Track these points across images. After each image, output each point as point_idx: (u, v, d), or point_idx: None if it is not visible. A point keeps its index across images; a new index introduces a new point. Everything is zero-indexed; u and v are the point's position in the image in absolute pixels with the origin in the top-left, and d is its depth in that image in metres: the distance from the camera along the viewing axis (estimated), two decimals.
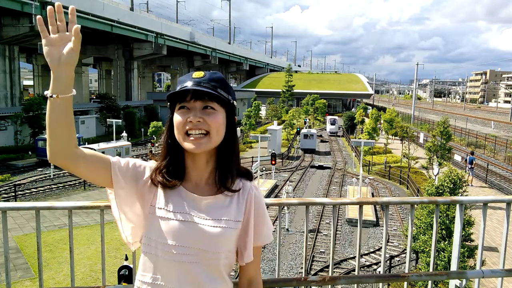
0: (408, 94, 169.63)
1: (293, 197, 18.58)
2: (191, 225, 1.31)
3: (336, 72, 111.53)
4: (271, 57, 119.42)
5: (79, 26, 1.20)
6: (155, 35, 52.21)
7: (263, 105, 55.51)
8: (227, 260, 1.36)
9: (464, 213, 3.09)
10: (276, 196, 20.69)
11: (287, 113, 49.93)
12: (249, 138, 35.88)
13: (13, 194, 19.40)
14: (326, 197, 19.45)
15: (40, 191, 20.68)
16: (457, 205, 2.28)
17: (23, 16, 33.38)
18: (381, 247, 11.38)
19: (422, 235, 9.95)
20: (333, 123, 48.53)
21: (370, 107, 66.79)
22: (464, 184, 11.43)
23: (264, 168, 24.04)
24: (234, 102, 1.38)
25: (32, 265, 11.91)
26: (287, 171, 27.22)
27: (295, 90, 72.96)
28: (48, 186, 21.56)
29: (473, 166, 21.29)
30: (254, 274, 1.48)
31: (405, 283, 2.24)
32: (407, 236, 3.10)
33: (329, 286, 2.18)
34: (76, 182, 22.51)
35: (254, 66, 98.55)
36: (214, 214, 1.34)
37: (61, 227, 15.00)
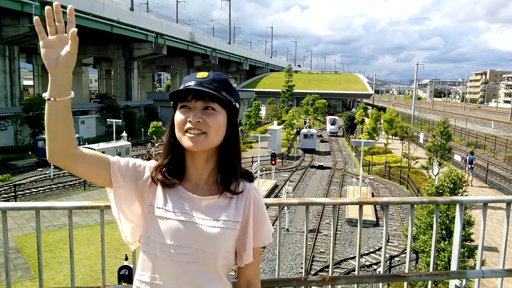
0: (408, 94, 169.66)
1: (293, 197, 18.58)
2: (190, 225, 1.31)
3: (336, 72, 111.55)
4: (271, 57, 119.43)
5: (76, 29, 1.19)
6: (155, 35, 52.22)
7: (263, 105, 55.52)
8: (225, 260, 1.36)
9: (464, 213, 3.09)
10: (276, 196, 20.69)
11: (287, 113, 49.94)
12: (249, 138, 35.87)
13: (13, 194, 19.41)
14: (326, 197, 19.45)
15: (40, 191, 20.68)
16: (457, 205, 2.28)
17: (23, 16, 33.39)
18: (381, 247, 11.38)
19: (422, 235, 9.95)
20: (333, 123, 48.53)
21: (370, 107, 66.79)
22: (464, 184, 11.43)
23: (264, 168, 24.03)
24: (237, 104, 1.38)
25: (32, 265, 11.91)
26: (287, 171, 27.23)
27: (295, 90, 72.97)
28: (48, 186, 21.56)
29: (473, 166, 21.29)
30: (253, 276, 1.47)
31: (405, 283, 2.24)
32: (407, 236, 3.10)
33: (329, 286, 2.18)
34: (76, 182, 22.51)
35: (254, 66, 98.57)
36: (213, 214, 1.34)
37: (61, 227, 15.00)
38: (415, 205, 7.20)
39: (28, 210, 2.01)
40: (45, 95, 1.20)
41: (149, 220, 1.34)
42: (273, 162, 24.22)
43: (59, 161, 1.28)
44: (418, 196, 18.33)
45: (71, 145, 1.27)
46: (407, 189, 22.44)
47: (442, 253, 8.98)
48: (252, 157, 27.76)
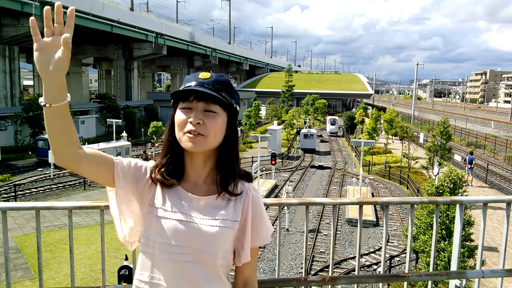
0: (408, 94, 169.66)
1: (293, 197, 18.58)
2: (188, 225, 1.31)
3: (336, 72, 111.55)
4: (271, 57, 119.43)
5: (68, 35, 1.15)
6: (155, 35, 52.22)
7: (263, 105, 55.52)
8: (224, 260, 1.37)
9: (464, 213, 3.09)
10: (276, 196, 20.69)
11: (287, 113, 49.95)
12: (249, 138, 35.88)
13: (13, 194, 19.41)
14: (326, 197, 19.45)
15: (40, 191, 20.69)
16: (457, 205, 2.29)
17: (23, 16, 33.39)
18: (381, 247, 11.38)
19: (422, 235, 9.95)
20: (333, 123, 48.53)
21: (370, 107, 66.80)
22: (464, 184, 11.43)
23: (264, 168, 24.03)
24: (238, 106, 1.39)
25: (32, 265, 11.91)
26: (287, 171, 27.23)
27: (295, 90, 72.98)
28: (48, 186, 21.56)
29: (472, 166, 21.29)
30: (250, 275, 1.48)
31: (405, 283, 2.24)
32: (407, 236, 3.10)
33: (329, 286, 2.18)
34: (76, 182, 22.52)
35: (254, 66, 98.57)
36: (211, 213, 1.34)
37: (61, 227, 15.00)
38: (415, 205, 7.21)
39: (28, 210, 2.01)
40: (41, 100, 1.19)
41: (148, 220, 1.35)
42: (273, 162, 24.22)
43: (64, 163, 1.28)
44: (418, 196, 18.33)
45: (74, 147, 1.26)
46: (407, 189, 22.44)
47: (442, 253, 8.98)
48: (252, 157, 27.77)
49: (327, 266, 12.76)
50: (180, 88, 1.33)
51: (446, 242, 9.16)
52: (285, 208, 16.41)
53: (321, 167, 28.61)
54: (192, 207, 1.34)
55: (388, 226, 16.47)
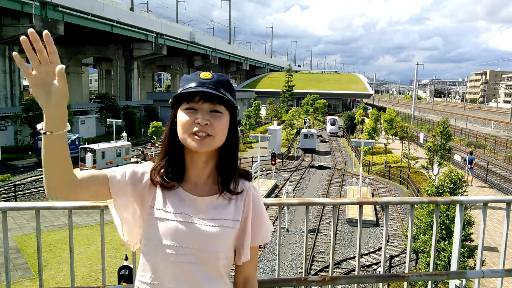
0: (408, 94, 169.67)
1: (293, 197, 18.58)
2: (189, 226, 1.31)
3: (336, 72, 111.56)
4: (271, 57, 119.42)
5: (63, 66, 1.13)
6: (155, 35, 52.22)
7: (263, 105, 55.53)
8: (226, 260, 1.37)
9: (464, 213, 3.09)
10: (276, 196, 20.69)
11: (287, 113, 49.95)
12: (249, 138, 35.88)
13: (13, 194, 19.41)
14: (326, 197, 19.45)
15: (40, 191, 20.67)
16: (457, 205, 2.29)
17: (23, 16, 33.38)
18: (381, 247, 11.38)
19: (422, 235, 9.95)
20: (333, 123, 48.52)
21: (370, 107, 66.80)
22: (464, 184, 11.43)
23: (264, 168, 24.03)
24: (237, 105, 1.39)
25: (32, 265, 11.91)
26: (287, 171, 27.23)
27: (295, 90, 72.98)
28: None
29: (472, 166, 21.30)
30: (250, 274, 1.48)
31: (405, 283, 2.24)
32: (407, 236, 3.10)
33: (329, 286, 2.18)
34: None
35: (254, 66, 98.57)
36: (212, 214, 1.35)
37: (61, 227, 15.00)
38: (415, 205, 7.20)
39: (28, 210, 2.01)
40: (40, 127, 1.18)
41: (149, 221, 1.35)
42: (273, 162, 24.23)
43: (61, 193, 1.26)
44: (418, 196, 18.33)
45: (69, 175, 1.25)
46: (407, 189, 22.44)
47: (442, 253, 8.98)
48: (252, 157, 27.77)
49: (327, 266, 12.76)
50: (182, 89, 1.32)
51: (446, 242, 9.16)
52: (285, 208, 16.41)
53: (321, 167, 28.61)
54: (193, 208, 1.34)
55: (388, 226, 16.47)
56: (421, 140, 32.08)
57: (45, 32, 1.11)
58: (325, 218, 17.25)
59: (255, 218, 1.41)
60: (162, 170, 1.36)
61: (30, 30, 1.12)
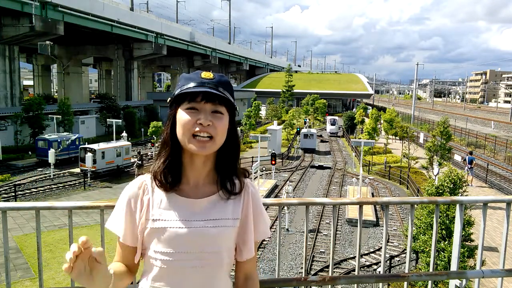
0: (408, 94, 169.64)
1: (293, 197, 18.58)
2: (189, 230, 1.31)
3: (336, 72, 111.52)
4: (271, 57, 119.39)
5: (102, 250, 1.16)
6: (155, 35, 52.21)
7: (263, 105, 55.53)
8: (229, 259, 1.38)
9: (464, 213, 3.09)
10: (276, 196, 20.69)
11: (287, 113, 49.95)
12: (249, 138, 35.88)
13: (13, 194, 19.41)
14: (326, 197, 19.45)
15: (40, 191, 20.68)
16: (457, 205, 2.29)
17: (23, 16, 33.36)
18: (381, 247, 11.38)
19: (422, 235, 9.95)
20: (333, 123, 48.50)
21: (370, 107, 66.80)
22: (464, 184, 11.42)
23: (264, 168, 24.03)
24: (237, 107, 1.40)
25: (32, 265, 11.91)
26: (287, 171, 27.22)
27: (295, 90, 72.98)
28: (48, 186, 21.56)
29: (472, 166, 21.29)
30: (250, 269, 1.49)
31: (405, 283, 2.24)
32: (407, 236, 3.10)
33: (329, 286, 2.18)
34: (76, 182, 22.53)
35: (254, 66, 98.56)
36: (212, 214, 1.34)
37: (61, 227, 15.00)
38: (415, 205, 7.20)
39: (28, 210, 2.01)
40: None
41: (149, 232, 1.34)
42: (273, 162, 24.23)
43: None
44: (418, 196, 18.33)
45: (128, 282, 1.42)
46: (407, 189, 22.44)
47: (442, 253, 8.98)
48: (252, 157, 27.76)
49: (327, 266, 12.76)
50: (183, 88, 1.30)
51: (446, 242, 9.15)
52: (285, 208, 16.41)
53: (321, 167, 28.61)
54: (192, 211, 1.33)
55: (388, 226, 16.47)
56: (421, 140, 32.08)
57: (83, 239, 1.12)
58: (325, 218, 17.25)
59: (255, 215, 1.42)
60: (162, 175, 1.34)
61: (83, 239, 1.12)
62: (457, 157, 25.51)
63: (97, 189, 21.72)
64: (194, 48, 65.58)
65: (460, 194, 10.81)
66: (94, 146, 24.59)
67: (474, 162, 21.67)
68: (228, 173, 1.39)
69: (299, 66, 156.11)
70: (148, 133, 34.88)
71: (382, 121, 39.74)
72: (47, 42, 36.56)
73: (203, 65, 72.30)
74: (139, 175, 1.44)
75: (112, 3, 44.93)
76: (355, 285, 2.31)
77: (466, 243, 9.76)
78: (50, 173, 23.55)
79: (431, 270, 2.32)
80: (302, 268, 12.83)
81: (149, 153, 30.49)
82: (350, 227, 16.53)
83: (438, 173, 16.85)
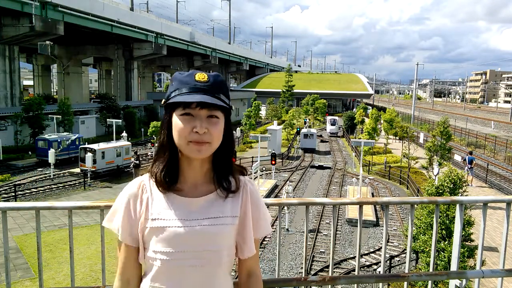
0: (408, 94, 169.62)
1: (293, 197, 18.58)
2: (188, 229, 1.31)
3: (336, 72, 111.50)
4: (271, 57, 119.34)
5: None
6: (155, 35, 52.18)
7: (263, 105, 55.50)
8: (229, 257, 1.38)
9: (464, 213, 3.09)
10: (276, 196, 20.69)
11: (287, 113, 49.94)
12: (249, 138, 35.87)
13: (13, 194, 19.40)
14: (326, 197, 19.45)
15: (40, 191, 20.68)
16: (457, 205, 2.29)
17: (23, 16, 33.33)
18: (381, 247, 11.38)
19: (422, 235, 9.95)
20: (333, 123, 48.50)
21: (370, 107, 66.80)
22: (464, 184, 11.42)
23: (264, 168, 24.03)
24: (233, 106, 1.40)
25: (32, 265, 11.91)
26: (287, 171, 27.22)
27: (295, 90, 72.98)
28: (48, 186, 21.55)
29: (472, 166, 21.29)
30: (253, 266, 1.49)
31: (405, 283, 2.24)
32: (407, 236, 3.10)
33: (329, 286, 2.18)
34: (76, 182, 22.52)
35: (254, 66, 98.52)
36: (211, 213, 1.35)
37: (61, 227, 15.00)
38: (415, 205, 7.20)
39: (28, 210, 2.01)
40: None
41: (148, 231, 1.34)
42: (273, 162, 24.23)
43: None
44: (418, 196, 18.33)
45: None
46: (407, 189, 22.44)
47: (442, 253, 8.98)
48: (252, 157, 27.77)
49: (327, 266, 12.76)
50: (176, 93, 1.30)
51: (446, 242, 9.15)
52: (285, 208, 16.41)
53: (321, 167, 28.61)
54: (190, 210, 1.34)
55: (388, 226, 16.47)
56: (421, 140, 32.08)
57: None
58: (325, 218, 17.25)
59: (254, 212, 1.42)
60: (161, 177, 1.35)
61: None
62: (457, 157, 25.51)
63: (97, 189, 21.71)
64: (194, 48, 65.55)
65: (460, 194, 10.81)
66: (94, 146, 24.58)
67: (474, 162, 21.66)
68: (224, 172, 1.39)
69: (299, 66, 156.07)
70: (148, 133, 34.85)
71: (382, 121, 39.74)
72: (47, 42, 36.57)
73: (203, 65, 72.30)
74: (138, 175, 1.44)
75: (112, 3, 44.91)
76: (355, 285, 2.31)
77: (466, 243, 9.76)
78: (50, 173, 23.54)
79: (431, 270, 2.32)
80: (302, 268, 12.83)
81: (149, 153, 30.49)
82: (350, 227, 16.53)
83: (438, 173, 16.85)
